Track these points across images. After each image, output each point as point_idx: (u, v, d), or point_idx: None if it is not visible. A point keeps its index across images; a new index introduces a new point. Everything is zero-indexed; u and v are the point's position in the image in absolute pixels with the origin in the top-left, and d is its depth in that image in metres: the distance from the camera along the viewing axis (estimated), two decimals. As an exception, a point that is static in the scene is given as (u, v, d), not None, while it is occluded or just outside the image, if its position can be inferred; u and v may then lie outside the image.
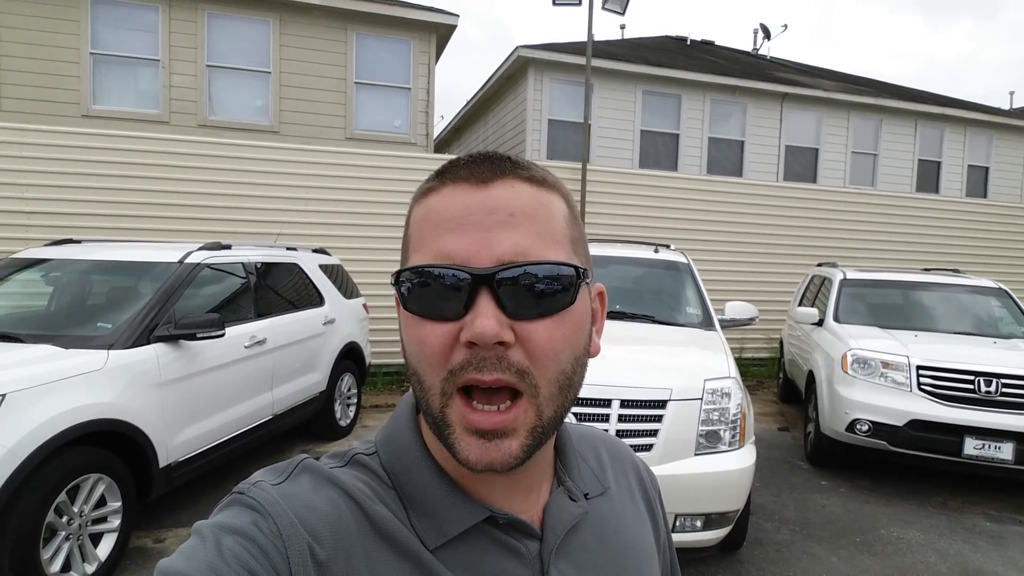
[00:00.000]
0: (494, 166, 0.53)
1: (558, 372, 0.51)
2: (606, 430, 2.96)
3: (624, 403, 3.09)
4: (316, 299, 5.19)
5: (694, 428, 3.11)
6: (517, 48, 10.10)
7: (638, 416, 3.09)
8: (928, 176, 12.53)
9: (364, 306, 6.08)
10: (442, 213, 0.52)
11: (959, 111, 12.63)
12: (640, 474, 0.74)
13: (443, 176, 0.54)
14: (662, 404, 3.11)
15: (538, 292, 0.50)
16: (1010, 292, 5.90)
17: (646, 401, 3.11)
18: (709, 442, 3.13)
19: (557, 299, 0.51)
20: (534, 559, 0.56)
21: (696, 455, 3.09)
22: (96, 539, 2.99)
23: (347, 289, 5.82)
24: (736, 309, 4.69)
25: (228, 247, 4.32)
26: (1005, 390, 4.39)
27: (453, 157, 0.58)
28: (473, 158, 0.54)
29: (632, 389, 3.10)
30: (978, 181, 12.91)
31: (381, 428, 0.62)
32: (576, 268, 0.52)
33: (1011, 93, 17.98)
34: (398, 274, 0.53)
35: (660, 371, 3.33)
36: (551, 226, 0.53)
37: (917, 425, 4.46)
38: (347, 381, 5.58)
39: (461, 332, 0.49)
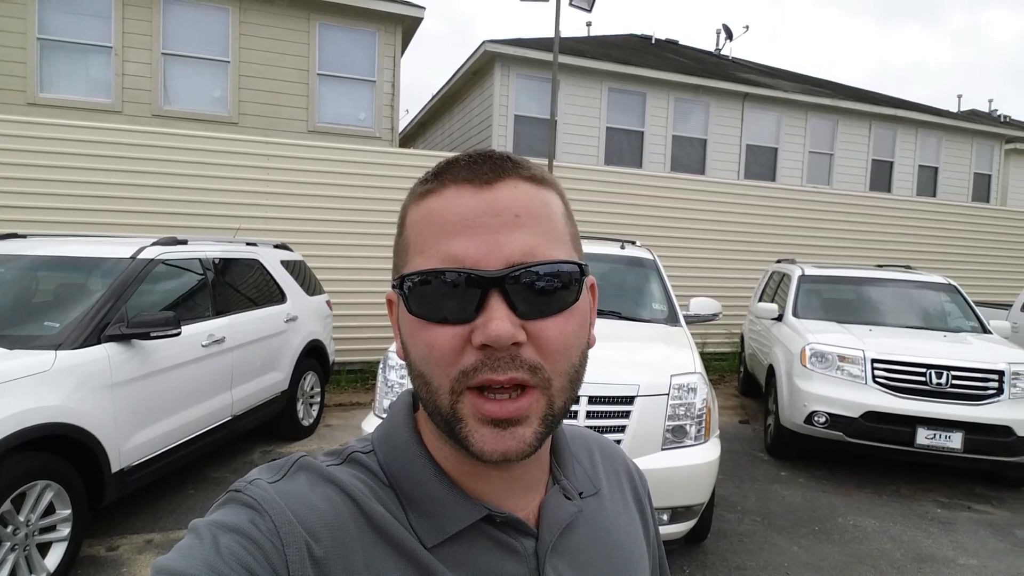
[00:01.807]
0: (496, 166, 0.53)
1: (568, 366, 0.53)
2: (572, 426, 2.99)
3: (592, 399, 3.09)
4: (278, 296, 5.07)
5: (661, 423, 3.14)
6: (484, 43, 10.04)
7: (606, 412, 3.10)
8: (881, 176, 12.94)
9: (328, 303, 5.97)
10: (446, 216, 0.52)
11: (911, 113, 13.08)
12: (632, 475, 0.75)
13: (442, 177, 0.54)
14: (630, 400, 3.13)
15: (547, 291, 0.51)
16: (959, 288, 6.13)
17: (614, 397, 3.12)
18: (675, 437, 3.16)
19: (565, 297, 0.52)
20: (530, 557, 0.56)
21: (663, 450, 3.12)
22: (44, 549, 2.85)
23: (310, 286, 5.70)
24: (700, 305, 4.76)
25: (184, 242, 4.18)
26: (955, 382, 4.56)
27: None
28: (472, 158, 0.54)
29: (600, 385, 3.10)
30: (928, 181, 13.39)
31: (377, 427, 0.61)
32: (580, 265, 0.54)
33: (959, 96, 18.74)
34: (402, 278, 0.53)
35: (627, 367, 3.34)
36: (554, 225, 0.54)
37: (872, 416, 4.60)
38: (310, 380, 5.47)
39: (473, 334, 0.49)
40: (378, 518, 0.52)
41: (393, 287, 0.54)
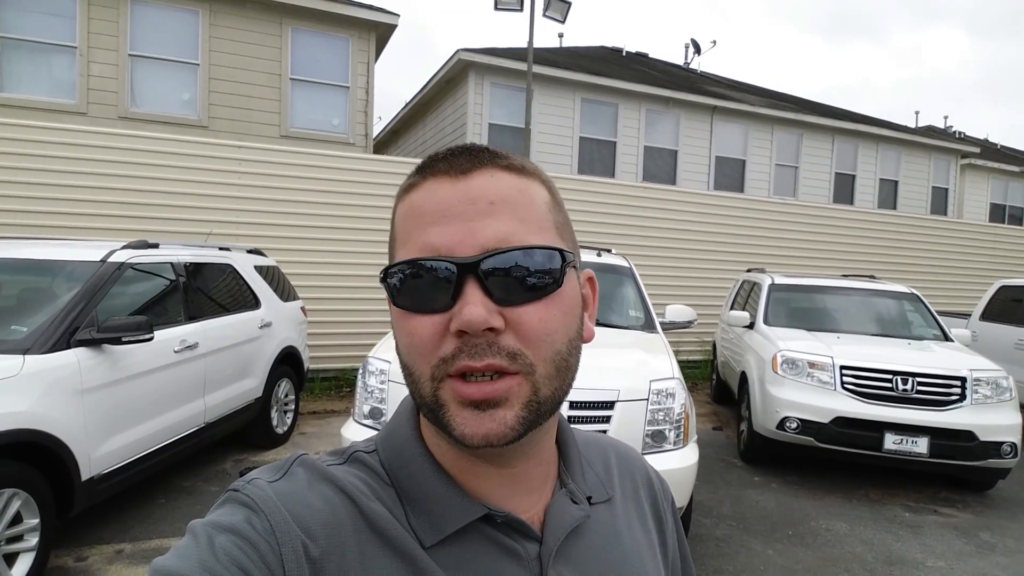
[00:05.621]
0: (472, 157, 0.53)
1: (553, 353, 0.51)
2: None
3: (573, 404, 3.11)
4: (251, 301, 4.98)
5: (640, 428, 3.17)
6: (458, 51, 10.08)
7: (587, 417, 3.12)
8: (844, 188, 13.35)
9: (302, 309, 5.89)
10: (424, 207, 0.52)
11: (872, 128, 13.53)
12: (651, 483, 0.72)
13: (423, 171, 0.54)
14: (610, 405, 3.16)
15: (524, 276, 0.50)
16: (921, 297, 6.34)
17: (595, 402, 3.14)
18: (655, 441, 3.20)
19: (543, 282, 0.51)
20: (532, 561, 0.55)
21: (642, 454, 3.14)
22: (11, 559, 2.74)
23: (284, 291, 5.61)
24: (676, 312, 4.83)
25: (155, 246, 4.08)
26: (920, 388, 4.70)
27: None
28: (452, 151, 0.54)
29: (581, 390, 3.12)
30: (889, 194, 13.85)
31: (382, 427, 0.61)
32: (560, 251, 0.52)
33: (916, 112, 19.44)
34: (386, 270, 0.53)
35: (607, 373, 3.36)
36: (533, 212, 0.53)
37: (841, 422, 4.71)
38: (284, 387, 5.38)
39: (451, 322, 0.49)
40: (376, 517, 0.52)
41: (380, 281, 0.54)
